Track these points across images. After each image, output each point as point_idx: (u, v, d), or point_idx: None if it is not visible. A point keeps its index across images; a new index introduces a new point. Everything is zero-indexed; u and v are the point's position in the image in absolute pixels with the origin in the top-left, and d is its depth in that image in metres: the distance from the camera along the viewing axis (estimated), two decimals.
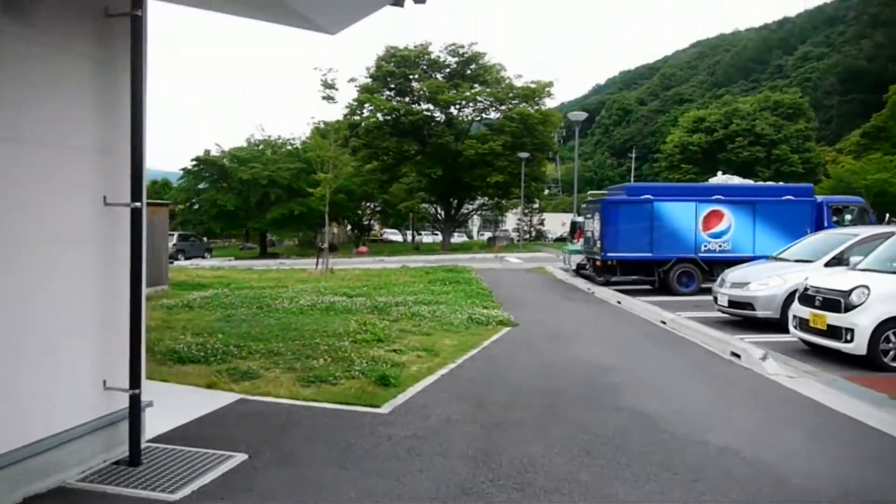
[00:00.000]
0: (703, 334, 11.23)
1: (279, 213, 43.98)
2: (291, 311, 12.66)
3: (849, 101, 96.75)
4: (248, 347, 8.46)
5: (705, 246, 18.87)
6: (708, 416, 6.48)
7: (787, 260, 13.57)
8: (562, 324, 12.66)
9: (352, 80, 24.09)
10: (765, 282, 12.65)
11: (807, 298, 10.28)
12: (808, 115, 67.41)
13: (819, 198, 19.72)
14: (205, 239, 50.57)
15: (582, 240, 22.45)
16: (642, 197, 18.99)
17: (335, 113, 24.09)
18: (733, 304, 13.01)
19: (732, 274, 13.70)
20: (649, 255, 18.85)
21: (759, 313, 12.45)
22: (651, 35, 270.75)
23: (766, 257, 15.10)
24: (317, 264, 25.12)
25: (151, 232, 18.98)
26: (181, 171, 47.93)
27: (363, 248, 46.22)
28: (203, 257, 45.04)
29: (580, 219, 24.28)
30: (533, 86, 45.38)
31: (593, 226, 20.00)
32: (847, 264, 11.59)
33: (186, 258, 42.92)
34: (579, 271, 22.73)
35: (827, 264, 12.42)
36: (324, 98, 24.48)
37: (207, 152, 46.91)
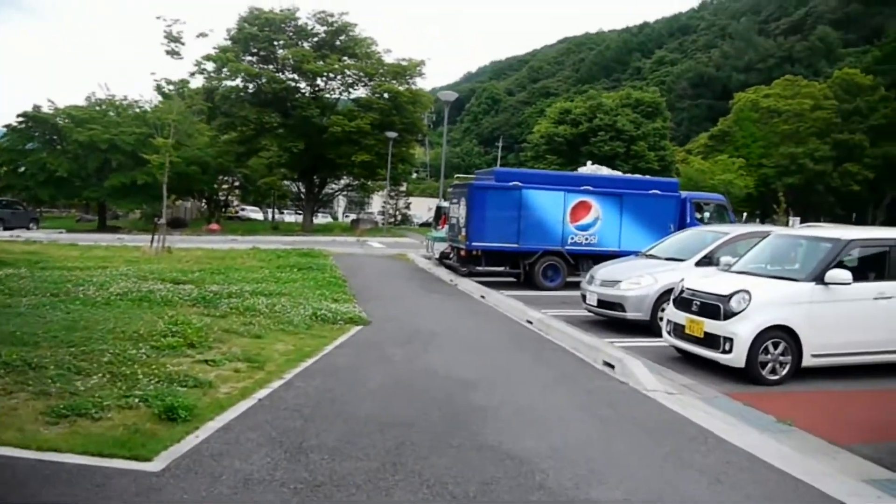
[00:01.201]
0: (572, 338, 10.15)
1: (119, 181, 39.56)
2: (94, 301, 10.39)
3: (698, 104, 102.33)
4: None
5: (572, 238, 18.09)
6: (589, 455, 5.21)
7: (658, 257, 12.83)
8: (421, 322, 11.22)
9: (202, 34, 21.16)
10: (636, 281, 11.78)
11: (682, 302, 9.39)
12: (664, 115, 69.99)
13: (683, 193, 19.49)
14: (32, 208, 45.16)
15: (447, 227, 21.19)
16: (511, 183, 17.90)
17: (180, 71, 21.56)
18: (602, 303, 12.08)
19: (602, 271, 12.79)
20: (516, 246, 17.82)
21: (629, 315, 11.58)
22: (522, 27, 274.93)
23: (635, 253, 14.39)
24: (152, 242, 22.27)
25: None
26: (4, 129, 42.10)
27: (215, 226, 42.70)
28: (27, 228, 39.97)
29: (446, 204, 23.02)
30: (404, 63, 43.57)
31: (459, 212, 18.73)
32: (716, 264, 10.94)
33: (6, 228, 37.83)
34: (443, 260, 21.44)
35: (698, 263, 11.74)
36: (167, 52, 21.58)
37: (38, 108, 41.40)
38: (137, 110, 43.29)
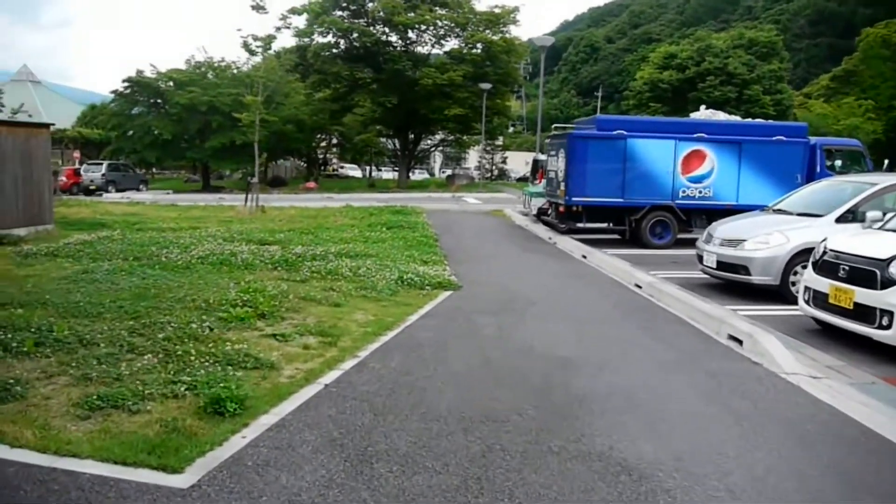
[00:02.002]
0: (689, 306, 8.89)
1: (219, 142, 40.12)
2: (174, 265, 9.97)
3: (817, 44, 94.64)
4: (48, 332, 5.73)
5: (684, 192, 16.51)
6: (725, 469, 4.10)
7: (789, 213, 11.18)
8: (516, 286, 10.21)
9: None
10: (763, 240, 10.25)
11: (826, 266, 7.91)
12: (781, 55, 64.92)
13: (811, 139, 17.37)
14: (141, 170, 46.75)
15: (544, 181, 19.92)
16: (615, 132, 16.43)
17: (267, 27, 21.04)
18: (723, 265, 10.62)
19: (722, 228, 11.29)
20: (620, 200, 16.42)
21: (756, 279, 10.10)
22: None
23: (759, 208, 12.74)
24: (246, 202, 22.19)
25: (25, 158, 16.12)
26: (112, 94, 43.48)
27: (311, 184, 42.92)
28: (138, 189, 41.37)
29: (543, 157, 21.69)
30: (497, 11, 41.86)
31: (557, 165, 17.44)
32: (861, 220, 9.31)
33: (118, 190, 39.24)
34: (540, 217, 20.23)
35: (838, 220, 10.07)
36: (253, 7, 21.12)
37: (141, 73, 42.47)
38: (235, 71, 43.59)
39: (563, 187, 16.74)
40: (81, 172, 39.84)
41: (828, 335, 7.81)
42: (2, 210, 14.25)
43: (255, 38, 21.90)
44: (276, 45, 30.30)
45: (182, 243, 12.36)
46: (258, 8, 21.36)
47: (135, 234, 14.48)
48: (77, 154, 50.77)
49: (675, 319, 8.42)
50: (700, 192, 16.53)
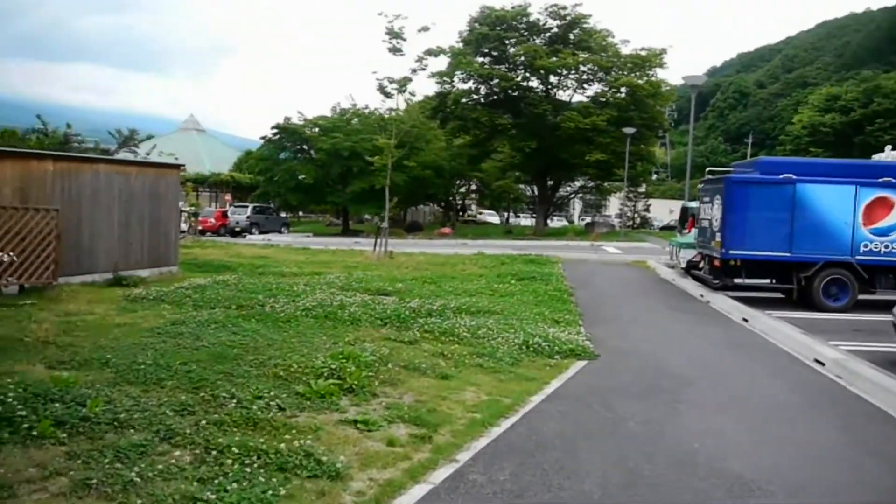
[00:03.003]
0: None
1: (359, 186, 40.55)
2: (276, 317, 9.05)
3: None
4: (79, 407, 4.67)
5: (866, 246, 14.00)
6: None
7: None
8: (666, 357, 8.44)
9: (424, 28, 20.07)
10: None
11: None
12: None
13: None
14: (284, 213, 48.29)
15: (695, 230, 17.78)
16: (781, 176, 14.24)
17: (403, 69, 20.67)
18: None
19: None
20: (787, 254, 14.13)
21: None
22: (772, 15, 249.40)
23: None
24: (375, 247, 21.57)
25: (154, 198, 16.14)
26: (261, 140, 45.43)
27: (446, 230, 42.37)
28: (280, 232, 42.61)
29: (694, 204, 19.54)
30: (643, 53, 39.94)
31: (712, 213, 15.39)
32: None
33: (261, 232, 40.55)
34: (690, 270, 18.02)
35: None
36: (390, 50, 20.76)
37: (288, 120, 44.14)
38: (377, 115, 44.17)
39: (718, 238, 14.67)
40: (228, 214, 41.57)
41: None
42: (127, 250, 14.21)
43: (391, 81, 21.50)
44: (413, 87, 30.21)
45: (294, 291, 11.58)
46: (394, 51, 21.00)
47: (252, 278, 13.96)
48: (228, 197, 53.51)
49: (882, 417, 6.37)
50: (887, 246, 13.94)
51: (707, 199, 16.06)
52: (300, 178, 42.76)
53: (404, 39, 20.69)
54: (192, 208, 30.49)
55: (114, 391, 5.19)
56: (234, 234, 39.52)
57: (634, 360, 8.24)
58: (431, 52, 21.58)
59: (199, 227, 39.29)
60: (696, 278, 17.23)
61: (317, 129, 43.33)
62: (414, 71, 21.32)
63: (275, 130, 43.51)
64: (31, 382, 5.10)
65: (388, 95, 21.91)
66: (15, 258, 10.22)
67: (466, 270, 17.49)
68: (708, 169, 18.44)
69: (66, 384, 5.08)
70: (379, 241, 21.47)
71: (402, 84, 21.24)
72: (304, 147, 44.33)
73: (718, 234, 14.66)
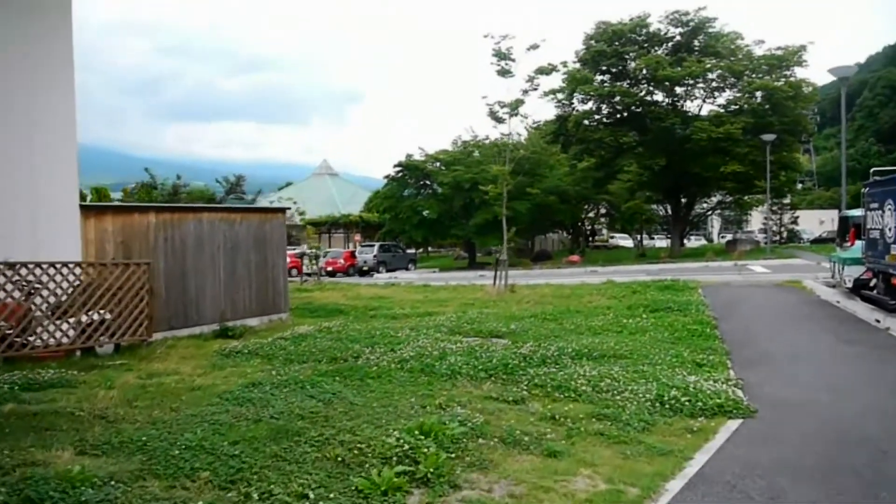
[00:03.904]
0: None
1: (482, 218, 39.62)
2: (367, 372, 7.99)
3: None
4: None
5: None
6: None
7: None
8: (847, 414, 6.55)
9: (533, 46, 18.87)
10: None
11: None
12: None
13: None
14: (411, 249, 48.24)
15: (861, 243, 15.22)
16: None
17: (513, 91, 19.42)
18: None
19: None
20: None
21: None
22: None
23: None
24: (494, 281, 20.33)
25: (259, 244, 14.97)
26: (385, 179, 45.68)
27: (575, 258, 40.34)
28: (406, 269, 42.43)
29: (856, 212, 16.88)
30: (779, 53, 36.56)
31: (884, 221, 12.97)
32: None
33: (388, 270, 40.50)
34: (859, 290, 15.41)
35: None
36: (498, 72, 19.68)
37: (409, 156, 44.16)
38: (492, 143, 43.30)
39: (894, 251, 12.28)
40: (356, 255, 41.88)
41: None
42: (234, 299, 13.79)
43: (502, 105, 20.39)
44: (528, 110, 28.93)
45: (397, 338, 10.55)
46: (503, 73, 19.92)
47: (359, 324, 13.12)
48: (358, 237, 54.37)
49: None
50: None
51: (875, 204, 13.63)
52: (424, 213, 42.51)
53: (513, 60, 19.59)
54: (313, 251, 30.58)
55: (131, 488, 4.22)
56: (362, 273, 39.68)
57: (804, 418, 6.42)
58: (543, 71, 20.07)
59: (329, 269, 39.81)
60: (866, 299, 14.65)
61: (438, 164, 43.03)
62: (525, 92, 20.07)
63: (397, 168, 43.57)
64: (33, 477, 4.22)
65: (499, 120, 20.79)
66: (107, 316, 9.83)
67: (592, 303, 15.85)
68: (873, 170, 15.84)
69: (73, 480, 4.17)
70: (498, 273, 20.22)
71: (514, 107, 20.07)
72: (427, 182, 44.08)
73: (894, 246, 12.27)
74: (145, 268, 10.42)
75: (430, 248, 59.06)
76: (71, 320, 9.39)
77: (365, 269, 40.30)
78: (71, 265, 9.46)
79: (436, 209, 42.00)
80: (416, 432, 5.14)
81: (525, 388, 7.27)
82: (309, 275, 30.97)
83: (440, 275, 37.08)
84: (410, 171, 43.69)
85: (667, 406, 6.55)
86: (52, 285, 9.51)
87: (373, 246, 43.23)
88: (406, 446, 4.85)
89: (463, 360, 8.39)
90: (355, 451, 4.88)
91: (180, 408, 6.34)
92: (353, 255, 42.06)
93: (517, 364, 8.23)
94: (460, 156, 43.17)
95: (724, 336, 10.85)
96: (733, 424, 6.17)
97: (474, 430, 5.51)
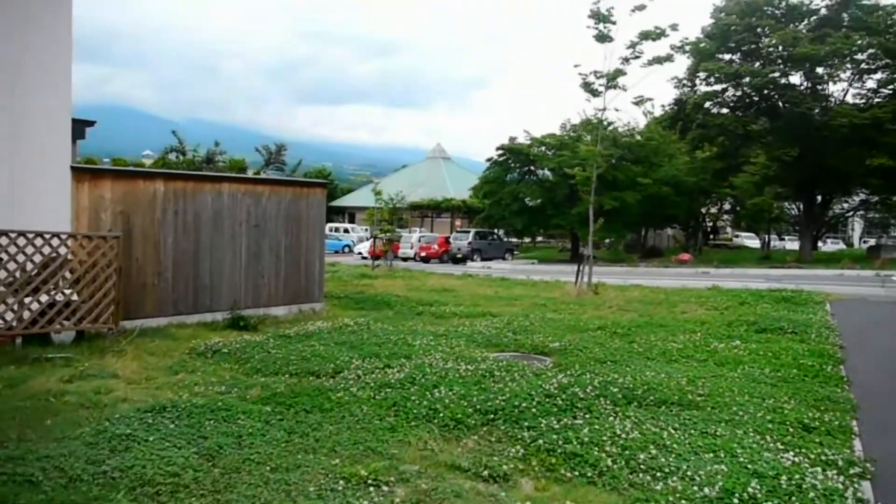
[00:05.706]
0: None
1: (585, 207, 36.72)
2: (333, 397, 5.86)
3: None
4: None
5: None
6: None
7: None
8: None
9: (638, 7, 16.01)
10: None
11: None
12: None
13: None
14: (510, 238, 45.78)
15: None
16: None
17: (611, 60, 16.70)
18: None
19: None
20: None
21: None
22: None
23: None
24: (576, 279, 17.69)
25: (291, 222, 12.36)
26: (487, 162, 43.24)
27: (685, 256, 36.43)
28: (503, 258, 40.09)
29: None
30: None
31: None
32: None
33: (483, 259, 38.33)
34: None
35: None
36: (596, 38, 16.91)
37: (513, 140, 41.59)
38: (612, 130, 39.85)
39: None
40: (451, 241, 39.98)
41: None
42: (257, 284, 12.05)
43: (598, 75, 17.59)
44: (637, 89, 25.64)
45: (410, 346, 8.38)
46: (602, 38, 17.13)
47: (394, 322, 11.09)
48: (459, 223, 52.46)
49: None
50: None
51: None
52: (525, 200, 39.91)
53: (613, 23, 16.76)
54: (385, 235, 28.79)
55: None
56: (455, 261, 37.80)
57: None
58: (648, 35, 17.04)
59: (423, 254, 38.10)
60: None
61: (543, 148, 40.22)
62: (625, 60, 17.14)
63: (500, 151, 41.14)
64: None
65: (594, 93, 17.96)
66: (58, 298, 8.23)
67: (685, 314, 13.01)
68: None
69: None
70: (582, 270, 17.57)
71: (612, 77, 17.22)
72: (531, 167, 41.41)
73: None
74: (113, 242, 8.71)
75: (537, 238, 56.35)
76: (10, 301, 7.82)
77: (459, 256, 38.38)
78: (13, 234, 7.87)
79: (538, 196, 39.24)
80: None
81: (522, 450, 4.84)
82: (377, 259, 29.31)
83: (536, 267, 34.56)
84: (514, 154, 41.06)
85: None
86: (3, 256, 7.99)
87: (468, 232, 41.17)
88: None
89: (460, 394, 6.04)
90: None
91: (28, 435, 4.47)
92: (447, 240, 40.21)
93: (531, 406, 5.78)
94: (568, 140, 40.06)
95: (852, 378, 7.89)
96: None
97: None
